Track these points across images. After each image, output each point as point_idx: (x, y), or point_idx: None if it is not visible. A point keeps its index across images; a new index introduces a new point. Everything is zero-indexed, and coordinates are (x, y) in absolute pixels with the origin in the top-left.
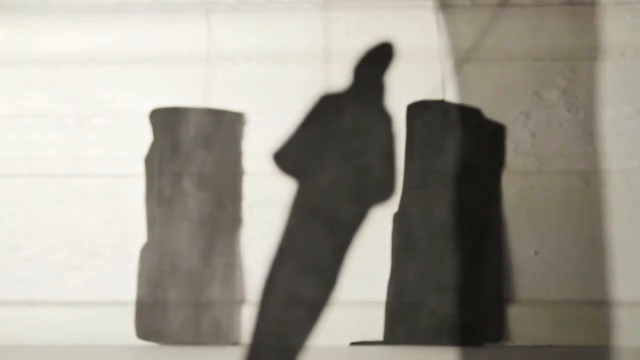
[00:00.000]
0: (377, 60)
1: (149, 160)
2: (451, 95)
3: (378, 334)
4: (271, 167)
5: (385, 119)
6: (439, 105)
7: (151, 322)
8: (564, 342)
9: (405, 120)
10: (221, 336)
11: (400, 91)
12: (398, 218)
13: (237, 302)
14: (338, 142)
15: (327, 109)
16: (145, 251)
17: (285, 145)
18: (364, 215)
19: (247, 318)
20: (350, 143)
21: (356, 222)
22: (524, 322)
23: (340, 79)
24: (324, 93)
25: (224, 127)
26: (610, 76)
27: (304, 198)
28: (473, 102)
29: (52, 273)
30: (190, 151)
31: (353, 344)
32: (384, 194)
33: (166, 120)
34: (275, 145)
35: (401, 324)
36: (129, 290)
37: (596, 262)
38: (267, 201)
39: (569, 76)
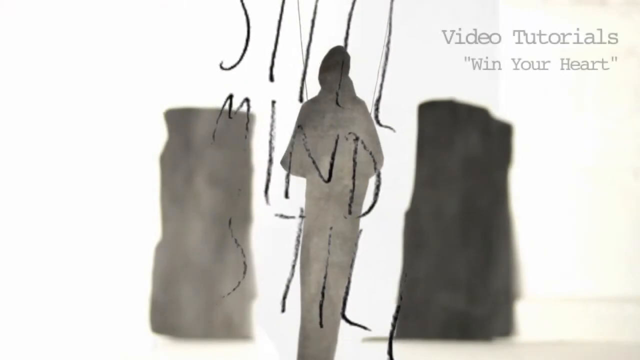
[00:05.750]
0: (336, 63)
1: (163, 159)
2: (460, 95)
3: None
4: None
5: (359, 106)
6: (448, 105)
7: (165, 317)
8: (599, 338)
9: (416, 119)
10: (233, 331)
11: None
12: (409, 216)
13: (248, 297)
14: (328, 134)
15: (310, 113)
16: (159, 248)
17: (288, 152)
18: (365, 185)
19: (258, 313)
20: (338, 132)
21: (362, 193)
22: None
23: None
24: (304, 103)
25: (235, 125)
26: (619, 75)
27: (314, 187)
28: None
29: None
30: (202, 149)
31: (365, 339)
32: (378, 164)
33: (179, 119)
34: (281, 154)
35: (412, 319)
36: (141, 287)
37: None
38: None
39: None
